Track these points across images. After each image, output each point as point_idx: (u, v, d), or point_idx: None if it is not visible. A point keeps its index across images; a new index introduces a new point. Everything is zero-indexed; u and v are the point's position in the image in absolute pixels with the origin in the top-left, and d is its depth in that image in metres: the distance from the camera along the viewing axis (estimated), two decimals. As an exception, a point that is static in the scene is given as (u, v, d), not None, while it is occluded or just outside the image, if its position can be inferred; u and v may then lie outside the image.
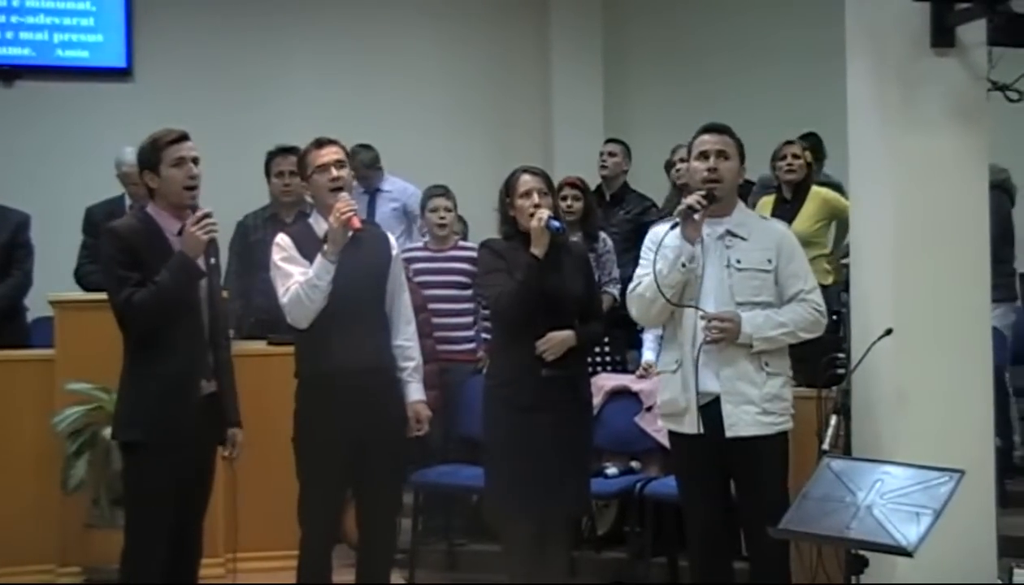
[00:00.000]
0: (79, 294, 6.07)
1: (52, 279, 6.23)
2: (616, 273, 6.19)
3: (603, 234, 6.22)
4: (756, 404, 4.09)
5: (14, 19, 7.92)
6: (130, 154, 6.21)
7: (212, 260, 4.21)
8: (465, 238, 6.74)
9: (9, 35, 7.91)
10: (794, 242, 4.34)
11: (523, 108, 8.47)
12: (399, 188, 6.54)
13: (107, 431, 5.01)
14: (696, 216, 4.08)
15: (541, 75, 8.48)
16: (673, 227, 4.10)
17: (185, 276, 4.05)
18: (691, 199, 4.11)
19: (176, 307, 4.04)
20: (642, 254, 4.32)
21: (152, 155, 4.09)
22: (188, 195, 4.09)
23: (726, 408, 4.09)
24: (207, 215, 4.07)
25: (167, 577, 4.12)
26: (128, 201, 6.35)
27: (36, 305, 6.29)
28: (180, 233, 4.12)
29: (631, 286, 4.29)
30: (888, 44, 4.41)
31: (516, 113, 8.44)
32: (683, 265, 4.07)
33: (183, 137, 4.12)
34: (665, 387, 4.27)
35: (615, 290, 6.16)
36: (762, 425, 4.10)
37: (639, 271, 4.27)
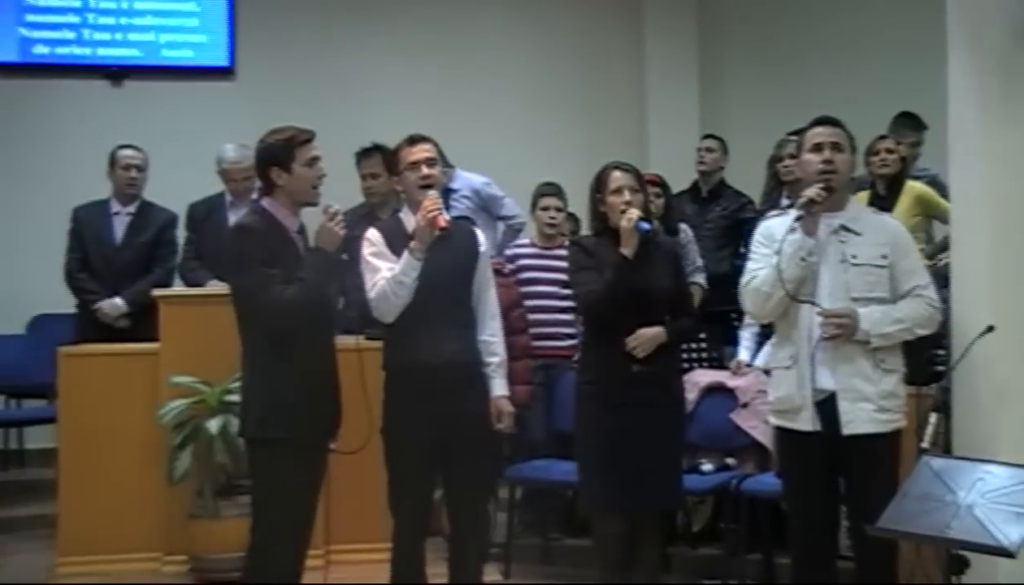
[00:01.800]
0: (183, 289, 6.22)
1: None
2: (700, 262, 6.17)
3: (682, 225, 6.20)
4: (872, 401, 4.01)
5: (123, 21, 8.08)
6: (231, 150, 6.39)
7: (344, 256, 4.26)
8: (577, 234, 6.73)
9: (118, 36, 8.08)
10: (908, 237, 4.25)
11: (617, 106, 8.42)
12: (465, 184, 6.49)
13: (210, 424, 5.16)
14: (815, 210, 4.02)
15: (636, 72, 8.43)
16: (797, 220, 4.03)
17: (328, 272, 4.14)
18: (811, 191, 4.04)
19: (321, 303, 4.12)
20: (753, 248, 4.25)
21: (285, 153, 4.13)
22: (316, 193, 4.19)
23: (843, 405, 4.01)
24: (339, 211, 4.17)
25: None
26: (228, 197, 6.50)
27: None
28: (300, 230, 4.21)
29: (744, 280, 4.22)
30: (990, 36, 4.33)
31: (610, 111, 8.39)
32: (803, 259, 4.01)
33: (313, 136, 4.19)
34: (779, 383, 4.19)
35: (702, 279, 6.13)
36: (878, 422, 4.01)
37: (751, 265, 4.21)
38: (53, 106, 7.87)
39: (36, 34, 7.98)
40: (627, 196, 4.48)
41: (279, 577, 4.14)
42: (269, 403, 4.10)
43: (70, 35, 8.02)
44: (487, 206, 6.51)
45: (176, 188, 6.90)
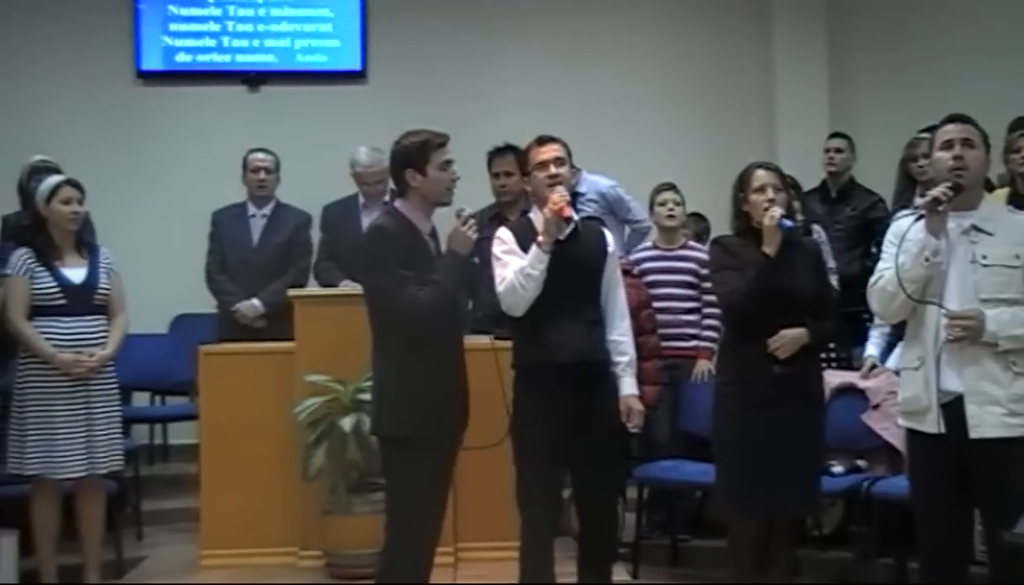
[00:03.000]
0: (317, 289, 6.32)
1: (290, 274, 6.55)
2: (832, 264, 6.09)
3: (815, 226, 6.13)
4: (1002, 405, 3.90)
5: (260, 28, 8.26)
6: (363, 154, 6.50)
7: (476, 259, 4.35)
8: (708, 234, 6.72)
9: (256, 43, 8.27)
10: None
11: (746, 106, 8.31)
12: (592, 187, 6.48)
13: (344, 422, 5.20)
14: (941, 208, 3.93)
15: (764, 72, 8.31)
16: (918, 219, 3.96)
17: (461, 275, 4.21)
18: (936, 190, 3.95)
19: (453, 305, 4.19)
20: (884, 247, 4.17)
21: (420, 155, 4.20)
22: (449, 195, 4.27)
23: (970, 408, 3.91)
24: (472, 215, 4.24)
25: None
26: (361, 199, 6.62)
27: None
28: (432, 233, 4.29)
29: (872, 279, 4.15)
30: None
31: (738, 111, 8.29)
32: (926, 259, 3.92)
33: (447, 140, 4.26)
34: (906, 385, 4.12)
35: (834, 280, 6.06)
36: (1008, 427, 3.90)
37: (881, 264, 4.13)
38: (194, 112, 8.11)
39: (179, 43, 8.22)
40: (770, 194, 4.46)
41: (412, 576, 4.20)
42: (400, 401, 4.17)
43: (211, 43, 8.25)
44: (613, 209, 6.51)
45: (310, 190, 7.05)
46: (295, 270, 6.61)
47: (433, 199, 4.25)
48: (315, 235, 6.80)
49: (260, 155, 6.71)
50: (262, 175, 6.68)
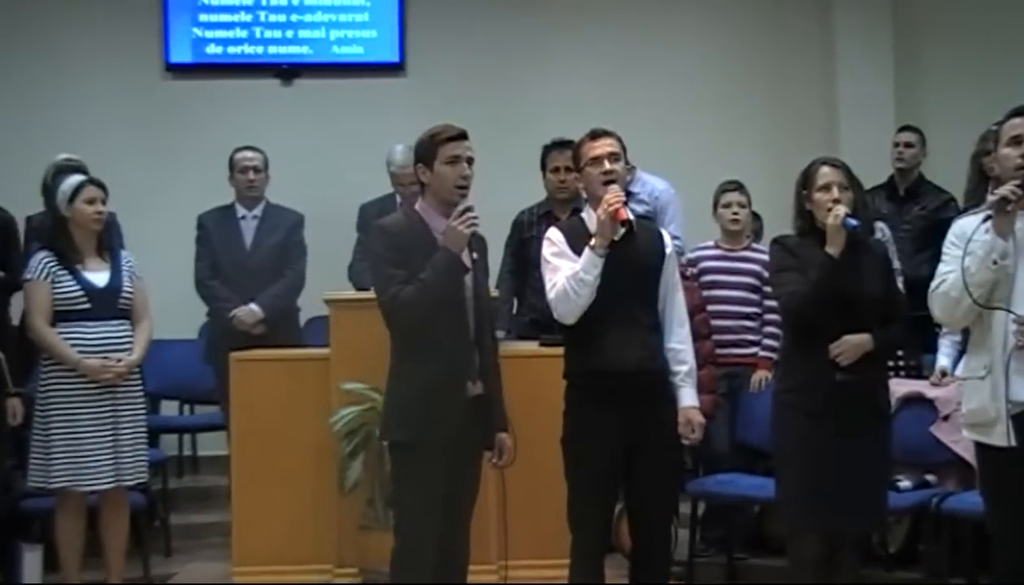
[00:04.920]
0: (353, 292, 6.16)
1: (327, 277, 6.40)
2: (897, 265, 5.89)
3: (879, 224, 5.96)
4: (1075, 416, 3.78)
5: (294, 18, 8.14)
6: (399, 153, 6.40)
7: (475, 256, 4.22)
8: (760, 234, 6.56)
9: (289, 34, 8.13)
10: None
11: (806, 100, 8.11)
12: (648, 189, 6.21)
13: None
14: (1009, 208, 3.77)
15: (826, 63, 8.09)
16: (985, 220, 3.80)
17: (449, 272, 4.06)
18: (1004, 189, 3.79)
19: (441, 304, 4.06)
20: (945, 249, 4.02)
21: (429, 149, 4.12)
22: (458, 193, 4.12)
23: (1042, 419, 3.80)
24: (468, 208, 4.09)
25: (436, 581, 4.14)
26: (399, 199, 6.44)
27: (312, 304, 6.44)
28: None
29: (934, 284, 4.00)
30: None
31: (798, 105, 8.10)
32: (994, 262, 3.77)
33: (461, 135, 4.14)
34: (972, 395, 3.96)
35: (899, 283, 5.84)
36: (1083, 438, 3.78)
37: (942, 268, 3.98)
38: (225, 106, 7.96)
39: (209, 34, 8.09)
40: (835, 193, 4.33)
41: (421, 581, 4.09)
42: (397, 405, 4.17)
43: (242, 34, 8.11)
44: (657, 213, 6.20)
45: (346, 188, 6.97)
46: (292, 273, 6.48)
47: (441, 195, 4.13)
48: (308, 236, 6.63)
49: (248, 154, 6.52)
50: (251, 175, 6.49)
